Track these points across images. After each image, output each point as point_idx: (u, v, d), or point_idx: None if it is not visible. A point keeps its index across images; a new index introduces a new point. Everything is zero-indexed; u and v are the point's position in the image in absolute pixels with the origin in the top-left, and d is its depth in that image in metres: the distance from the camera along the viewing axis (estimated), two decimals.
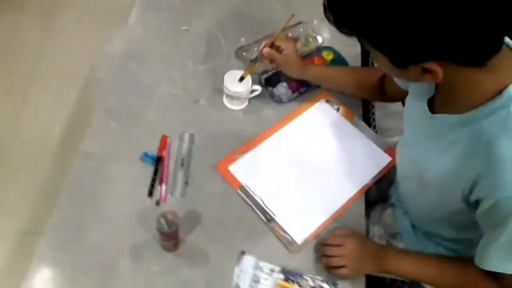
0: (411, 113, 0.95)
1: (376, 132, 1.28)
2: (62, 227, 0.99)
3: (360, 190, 1.10)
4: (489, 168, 0.72)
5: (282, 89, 1.24)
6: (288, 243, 1.00)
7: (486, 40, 0.66)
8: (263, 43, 1.15)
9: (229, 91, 1.14)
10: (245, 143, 1.13)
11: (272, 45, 1.14)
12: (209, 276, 0.95)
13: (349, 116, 1.22)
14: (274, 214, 1.03)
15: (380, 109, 1.46)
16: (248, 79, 1.15)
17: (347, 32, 0.71)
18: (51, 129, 2.01)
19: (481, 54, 0.68)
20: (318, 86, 1.25)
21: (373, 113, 1.44)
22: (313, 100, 1.24)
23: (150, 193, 1.03)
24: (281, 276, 0.95)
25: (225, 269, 0.95)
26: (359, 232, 1.02)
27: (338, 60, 1.32)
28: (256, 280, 0.94)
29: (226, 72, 1.16)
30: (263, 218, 1.02)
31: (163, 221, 0.87)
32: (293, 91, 1.24)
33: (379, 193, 1.24)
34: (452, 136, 0.80)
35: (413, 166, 0.94)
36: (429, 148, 0.87)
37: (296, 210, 1.05)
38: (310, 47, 1.33)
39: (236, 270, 0.95)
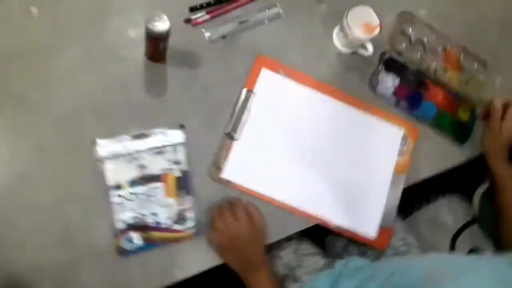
0: None
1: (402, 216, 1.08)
2: None
3: (320, 219, 0.94)
4: None
5: (389, 81, 1.04)
6: (216, 167, 0.90)
7: None
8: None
9: (343, 24, 0.97)
10: (302, 73, 0.99)
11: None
12: (140, 105, 0.89)
13: (404, 166, 1.01)
14: (239, 138, 0.92)
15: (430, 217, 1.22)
16: (368, 38, 0.96)
17: None
18: None
19: None
20: (429, 117, 1.04)
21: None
22: (394, 117, 1.03)
23: (192, 10, 0.95)
24: (179, 174, 0.87)
25: (156, 118, 0.89)
26: (264, 231, 0.88)
27: (463, 127, 1.07)
28: (159, 152, 0.87)
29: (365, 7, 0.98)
30: (229, 128, 0.92)
31: (156, 19, 0.79)
32: (395, 94, 1.03)
33: (339, 250, 1.07)
34: None
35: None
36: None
37: (263, 160, 0.93)
38: (460, 87, 1.08)
39: (160, 129, 0.88)
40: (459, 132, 1.07)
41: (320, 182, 0.96)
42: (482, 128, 1.03)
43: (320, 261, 0.97)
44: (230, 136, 0.91)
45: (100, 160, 0.85)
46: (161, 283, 0.85)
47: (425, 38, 1.07)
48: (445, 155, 1.06)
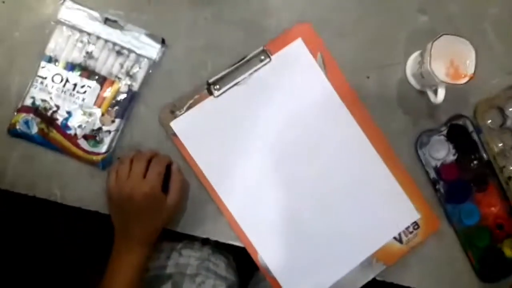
0: None
1: None
2: None
3: (251, 244, 0.72)
4: None
5: (443, 152, 0.77)
6: (171, 111, 0.71)
7: None
8: None
9: (426, 48, 0.71)
10: (344, 76, 0.75)
11: None
12: None
13: (392, 256, 0.75)
14: (217, 96, 0.71)
15: None
16: (446, 83, 0.70)
17: None
18: None
19: None
20: (462, 225, 0.76)
21: None
22: (418, 195, 0.76)
23: None
24: (125, 90, 0.70)
25: (144, 15, 0.71)
26: (171, 212, 0.68)
27: (499, 264, 0.78)
28: (119, 53, 0.70)
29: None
30: (214, 79, 0.71)
31: None
32: (439, 170, 0.76)
33: None
34: None
35: None
36: None
37: (229, 139, 0.73)
38: None
39: (139, 30, 0.70)
40: (489, 265, 0.77)
41: (276, 208, 0.73)
42: None
43: None
44: (209, 88, 0.72)
45: (56, 22, 0.69)
46: (29, 190, 0.69)
47: None
48: (452, 279, 0.77)
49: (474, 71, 0.69)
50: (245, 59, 0.72)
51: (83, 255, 1.02)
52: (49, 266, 1.07)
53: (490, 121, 0.78)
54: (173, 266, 0.75)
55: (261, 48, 0.72)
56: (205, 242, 0.80)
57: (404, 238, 0.76)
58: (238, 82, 0.72)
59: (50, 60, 0.68)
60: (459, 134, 0.77)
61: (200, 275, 0.75)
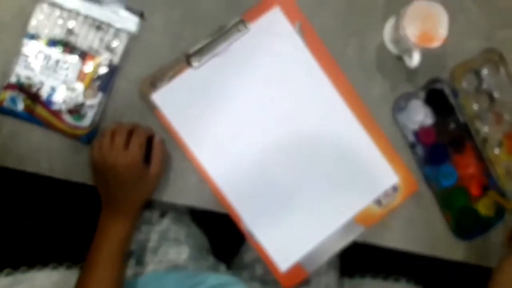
0: None
1: None
2: None
3: (234, 211, 0.78)
4: None
5: (421, 115, 0.82)
6: (151, 83, 0.76)
7: None
8: None
9: (400, 14, 0.75)
10: (323, 44, 0.79)
11: None
12: None
13: (372, 218, 0.81)
14: (196, 67, 0.76)
15: None
16: (419, 46, 0.74)
17: None
18: None
19: None
20: (440, 185, 0.82)
21: None
22: (396, 158, 0.82)
23: None
24: (105, 64, 0.75)
25: None
26: (153, 183, 0.74)
27: (475, 222, 0.84)
28: (98, 28, 0.74)
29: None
30: (193, 50, 0.76)
31: None
32: (417, 134, 0.82)
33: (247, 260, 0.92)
34: None
35: None
36: None
37: (209, 108, 0.78)
38: (504, 177, 0.83)
39: (117, 4, 0.74)
40: (465, 224, 0.83)
41: (259, 174, 0.79)
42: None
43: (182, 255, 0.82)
44: (188, 59, 0.76)
45: (36, 0, 0.74)
46: (17, 163, 0.75)
47: (499, 95, 0.82)
48: (431, 238, 0.84)
49: (446, 34, 0.74)
50: (223, 30, 0.77)
51: (74, 226, 1.08)
52: (41, 238, 1.13)
53: (466, 84, 0.82)
54: (133, 243, 0.81)
55: (238, 18, 0.77)
56: (163, 214, 0.86)
57: (383, 201, 0.82)
58: (217, 53, 0.76)
59: (32, 37, 0.73)
60: (436, 98, 0.82)
61: (163, 246, 0.82)
